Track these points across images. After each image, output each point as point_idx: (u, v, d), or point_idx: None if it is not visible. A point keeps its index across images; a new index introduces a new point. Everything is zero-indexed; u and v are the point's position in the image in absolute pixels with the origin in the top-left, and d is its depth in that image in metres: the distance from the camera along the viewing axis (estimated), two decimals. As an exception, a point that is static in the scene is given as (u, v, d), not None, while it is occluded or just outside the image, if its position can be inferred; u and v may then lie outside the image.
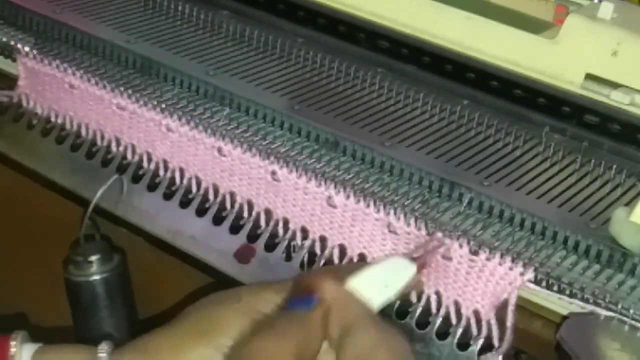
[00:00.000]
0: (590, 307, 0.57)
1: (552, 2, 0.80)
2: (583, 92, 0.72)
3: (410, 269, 0.56)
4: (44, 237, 0.85)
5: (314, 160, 0.67)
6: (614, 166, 0.68)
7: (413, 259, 0.56)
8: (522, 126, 0.72)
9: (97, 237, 0.76)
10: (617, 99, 0.71)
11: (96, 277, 0.74)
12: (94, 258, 0.74)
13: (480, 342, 0.59)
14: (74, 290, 0.75)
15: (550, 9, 0.80)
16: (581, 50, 0.72)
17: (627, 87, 0.71)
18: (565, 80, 0.73)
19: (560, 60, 0.73)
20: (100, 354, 0.55)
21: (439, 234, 0.60)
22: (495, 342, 0.59)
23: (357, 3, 0.81)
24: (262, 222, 0.68)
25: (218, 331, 0.53)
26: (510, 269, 0.58)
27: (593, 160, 0.69)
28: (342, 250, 0.65)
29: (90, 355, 0.56)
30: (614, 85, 0.71)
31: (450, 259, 0.59)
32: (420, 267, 0.56)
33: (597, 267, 0.59)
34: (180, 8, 0.84)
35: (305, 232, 0.66)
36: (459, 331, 0.60)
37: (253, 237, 0.68)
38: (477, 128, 0.72)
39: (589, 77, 0.72)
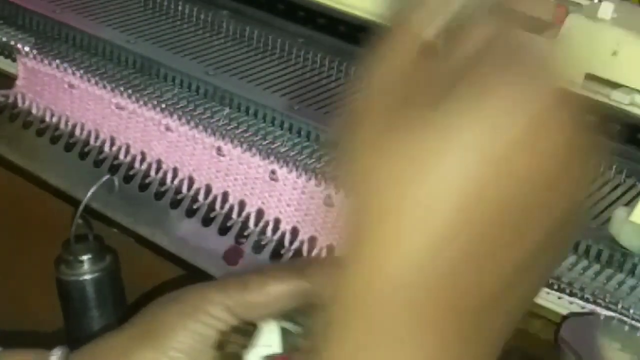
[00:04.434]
0: (590, 307, 0.57)
1: (552, 2, 0.80)
2: (583, 92, 0.72)
3: None
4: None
5: (314, 160, 0.67)
6: (614, 166, 0.68)
7: None
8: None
9: (90, 236, 0.76)
10: (617, 99, 0.71)
11: (87, 277, 0.74)
12: (85, 258, 0.74)
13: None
14: (64, 290, 0.75)
15: (550, 9, 0.80)
16: (581, 50, 0.72)
17: (627, 87, 0.71)
18: (565, 80, 0.72)
19: (560, 60, 0.73)
20: (52, 359, 0.55)
21: None
22: None
23: (357, 3, 0.81)
24: (251, 223, 0.67)
25: (164, 334, 0.53)
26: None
27: (593, 160, 0.68)
28: (331, 251, 0.65)
29: (43, 359, 0.55)
30: (614, 85, 0.71)
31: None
32: None
33: (597, 267, 0.59)
34: (180, 8, 0.84)
35: (295, 233, 0.66)
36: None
37: (241, 238, 0.68)
38: (477, 128, 0.72)
39: (589, 77, 0.72)
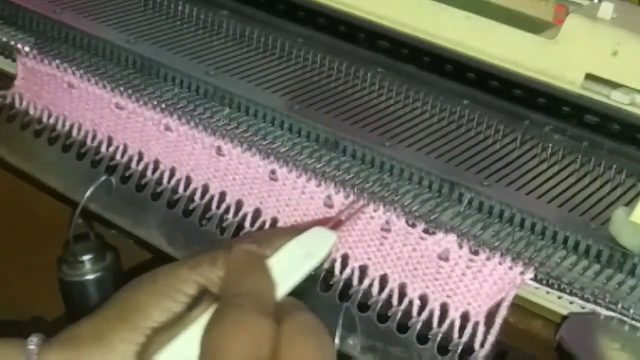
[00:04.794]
0: (590, 307, 0.57)
1: (552, 2, 0.80)
2: (583, 92, 0.72)
3: (331, 237, 0.57)
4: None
5: (314, 160, 0.67)
6: (614, 166, 0.68)
7: (334, 225, 0.58)
8: (522, 126, 0.72)
9: (92, 236, 0.76)
10: (617, 99, 0.71)
11: (89, 277, 0.74)
12: (86, 258, 0.74)
13: (461, 346, 0.59)
14: (67, 290, 0.75)
15: (550, 9, 0.80)
16: (581, 50, 0.72)
17: (627, 87, 0.71)
18: (565, 80, 0.73)
19: (560, 60, 0.73)
20: (30, 347, 0.55)
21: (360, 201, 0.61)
22: (477, 346, 0.58)
23: (357, 3, 0.81)
24: (248, 223, 0.67)
25: (138, 314, 0.54)
26: (510, 268, 0.58)
27: (593, 160, 0.69)
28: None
29: (20, 347, 0.55)
30: (614, 85, 0.71)
31: (446, 259, 0.59)
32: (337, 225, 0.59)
33: (597, 267, 0.59)
34: (180, 8, 0.84)
35: None
36: (440, 334, 0.60)
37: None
38: (477, 128, 0.72)
39: (589, 77, 0.72)
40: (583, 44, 0.72)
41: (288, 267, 0.54)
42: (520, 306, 0.59)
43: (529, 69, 0.74)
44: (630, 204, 0.63)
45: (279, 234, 0.57)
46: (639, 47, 0.70)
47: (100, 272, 0.75)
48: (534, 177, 0.67)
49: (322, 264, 0.59)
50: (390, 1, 0.79)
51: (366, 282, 0.62)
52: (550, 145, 0.70)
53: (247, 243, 0.55)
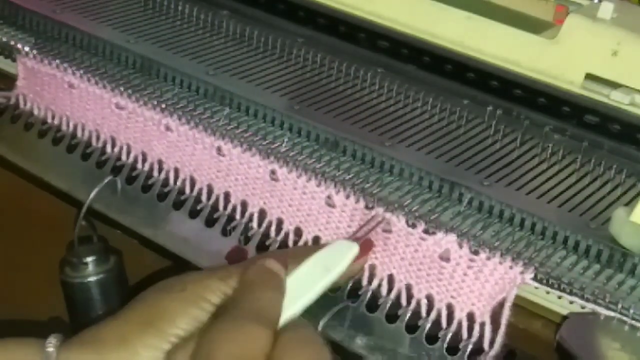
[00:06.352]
0: (590, 307, 0.57)
1: (552, 2, 0.80)
2: (583, 92, 0.72)
3: (352, 249, 0.57)
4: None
5: (314, 160, 0.67)
6: (614, 166, 0.68)
7: (355, 239, 0.58)
8: (522, 126, 0.72)
9: (95, 238, 0.76)
10: (617, 99, 0.71)
11: (91, 279, 0.74)
12: (89, 259, 0.74)
13: (470, 346, 0.59)
14: (69, 292, 0.75)
15: (550, 9, 0.80)
16: (581, 50, 0.72)
17: (627, 87, 0.71)
18: (565, 80, 0.73)
19: (560, 60, 0.73)
20: (48, 349, 0.54)
21: (380, 210, 0.61)
22: (486, 346, 0.58)
23: (357, 3, 0.81)
24: (255, 224, 0.67)
25: (164, 320, 0.53)
26: (511, 268, 0.58)
27: (593, 160, 0.69)
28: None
29: (38, 349, 0.54)
30: (614, 85, 0.71)
31: (447, 259, 0.59)
32: (367, 246, 0.59)
33: (597, 267, 0.59)
34: (180, 8, 0.84)
35: (299, 233, 0.66)
36: (449, 335, 0.59)
37: (245, 239, 0.68)
38: (477, 128, 0.72)
39: (589, 77, 0.72)
40: (583, 44, 0.72)
41: (305, 284, 0.54)
42: (520, 306, 0.59)
43: (529, 69, 0.74)
44: (630, 204, 0.63)
45: (308, 251, 0.57)
46: (639, 47, 0.70)
47: (103, 274, 0.75)
48: (534, 177, 0.67)
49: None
50: (390, 1, 0.79)
51: (375, 282, 0.62)
52: (550, 145, 0.70)
53: (270, 259, 0.55)
